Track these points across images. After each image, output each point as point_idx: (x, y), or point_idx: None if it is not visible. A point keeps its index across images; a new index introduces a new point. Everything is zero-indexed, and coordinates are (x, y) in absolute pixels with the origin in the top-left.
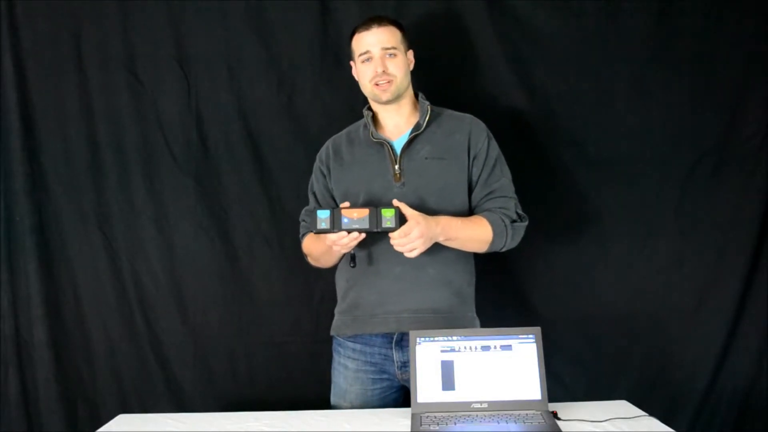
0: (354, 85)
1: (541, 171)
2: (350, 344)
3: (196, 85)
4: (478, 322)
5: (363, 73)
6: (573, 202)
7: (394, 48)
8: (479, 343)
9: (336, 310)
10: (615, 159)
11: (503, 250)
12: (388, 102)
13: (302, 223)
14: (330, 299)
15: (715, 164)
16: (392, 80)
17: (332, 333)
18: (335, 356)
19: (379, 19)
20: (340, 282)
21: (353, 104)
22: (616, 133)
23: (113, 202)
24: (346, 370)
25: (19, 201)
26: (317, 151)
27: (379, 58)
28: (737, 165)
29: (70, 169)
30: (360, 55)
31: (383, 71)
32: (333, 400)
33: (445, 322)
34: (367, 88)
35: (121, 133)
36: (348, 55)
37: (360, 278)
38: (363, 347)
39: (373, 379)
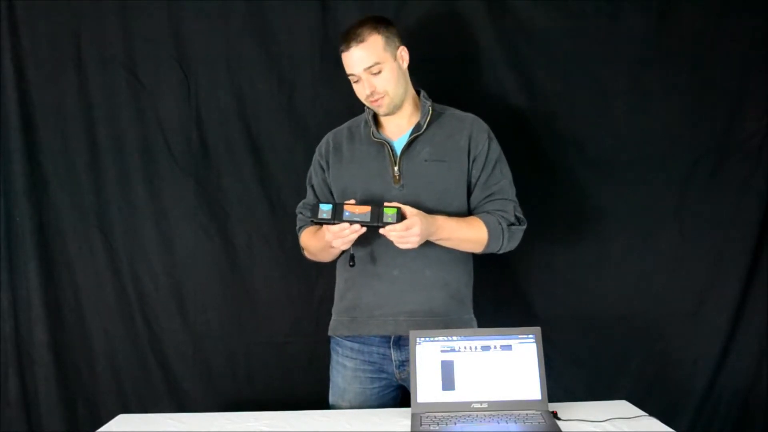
0: None
1: (541, 171)
2: (348, 344)
3: (196, 85)
4: (475, 323)
5: (356, 91)
6: (573, 202)
7: (377, 63)
8: (479, 343)
9: (333, 310)
10: (615, 159)
11: (500, 252)
12: (387, 114)
13: (299, 216)
14: (330, 299)
15: (715, 164)
16: (384, 96)
17: (330, 333)
18: (333, 356)
19: (357, 34)
20: (339, 282)
21: (353, 104)
22: (616, 133)
23: (113, 202)
24: (345, 369)
25: (19, 201)
26: None
27: (365, 79)
28: (737, 165)
29: (70, 169)
30: (348, 75)
31: (372, 92)
32: (331, 399)
33: (442, 324)
34: (364, 102)
35: (121, 133)
36: None
37: (358, 280)
38: (361, 346)
39: (371, 378)
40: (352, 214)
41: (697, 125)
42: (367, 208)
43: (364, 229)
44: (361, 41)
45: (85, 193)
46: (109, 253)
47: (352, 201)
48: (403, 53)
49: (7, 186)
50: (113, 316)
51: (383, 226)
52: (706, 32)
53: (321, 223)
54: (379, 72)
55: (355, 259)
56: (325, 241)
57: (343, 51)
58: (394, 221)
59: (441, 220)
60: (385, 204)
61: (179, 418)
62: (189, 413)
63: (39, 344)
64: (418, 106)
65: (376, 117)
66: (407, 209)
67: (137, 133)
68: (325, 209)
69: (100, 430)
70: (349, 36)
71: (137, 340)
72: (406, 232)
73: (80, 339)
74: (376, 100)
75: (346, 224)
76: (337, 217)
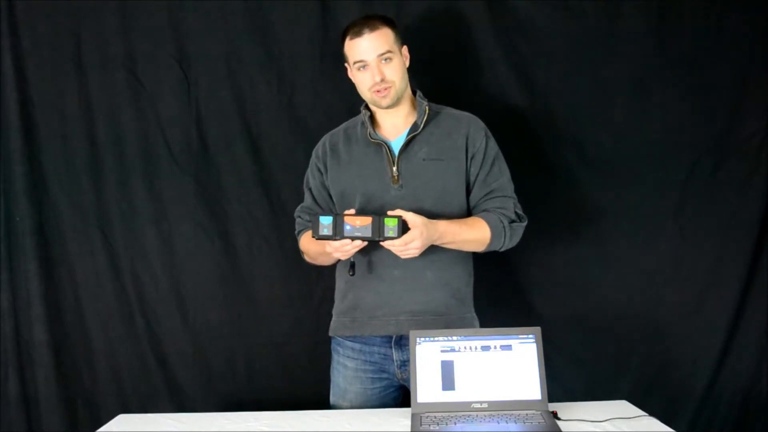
0: (354, 84)
1: (541, 171)
2: (349, 344)
3: (196, 85)
4: (477, 321)
5: (360, 81)
6: (573, 202)
7: (389, 52)
8: (479, 343)
9: (334, 311)
10: (615, 159)
11: (502, 250)
12: (389, 107)
13: (298, 220)
14: (330, 299)
15: (714, 164)
16: (391, 86)
17: (330, 334)
18: (334, 356)
19: (370, 23)
20: (339, 283)
21: (353, 104)
22: (616, 133)
23: (113, 202)
24: (346, 369)
25: (19, 201)
26: None
27: (375, 66)
28: (737, 165)
29: (70, 169)
30: (355, 63)
31: (381, 79)
32: (332, 399)
33: (443, 323)
34: (366, 94)
35: (121, 133)
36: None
37: (359, 281)
38: (362, 347)
39: (372, 378)
40: (353, 228)
41: (697, 125)
42: (368, 220)
43: (365, 243)
44: (375, 29)
45: (85, 193)
46: (109, 253)
47: (352, 211)
48: (406, 51)
49: (7, 186)
50: (113, 316)
51: (384, 240)
52: (706, 32)
53: (322, 239)
54: (390, 60)
55: (356, 259)
56: (326, 250)
57: (352, 38)
58: (395, 234)
59: (443, 226)
60: (388, 213)
61: (179, 418)
62: (189, 413)
63: (39, 344)
64: (415, 105)
65: (372, 118)
66: (409, 218)
67: (137, 133)
68: (326, 223)
69: (100, 430)
70: (362, 25)
71: (137, 340)
72: (405, 246)
73: (80, 339)
74: (383, 90)
75: (348, 239)
76: (337, 232)
